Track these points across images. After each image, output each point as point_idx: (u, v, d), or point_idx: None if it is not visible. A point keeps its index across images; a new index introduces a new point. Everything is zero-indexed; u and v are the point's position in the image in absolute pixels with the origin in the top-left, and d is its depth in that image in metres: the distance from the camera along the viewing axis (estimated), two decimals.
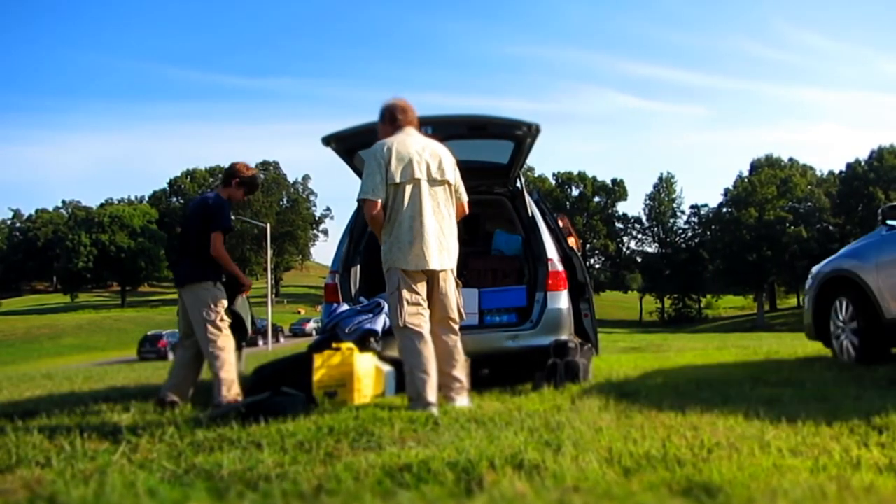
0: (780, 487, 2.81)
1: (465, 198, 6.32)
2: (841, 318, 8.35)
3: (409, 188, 5.90)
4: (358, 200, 6.03)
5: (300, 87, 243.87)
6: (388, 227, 5.94)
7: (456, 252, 6.15)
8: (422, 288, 5.93)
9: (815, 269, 9.22)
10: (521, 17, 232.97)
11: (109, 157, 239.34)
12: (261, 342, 52.74)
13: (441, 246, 5.97)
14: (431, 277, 5.98)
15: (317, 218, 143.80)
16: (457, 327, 6.10)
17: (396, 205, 5.90)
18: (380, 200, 5.89)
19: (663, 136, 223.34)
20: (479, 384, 6.89)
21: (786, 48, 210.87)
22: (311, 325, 75.24)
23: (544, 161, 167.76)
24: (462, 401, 5.87)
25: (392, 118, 6.20)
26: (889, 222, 7.81)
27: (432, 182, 6.00)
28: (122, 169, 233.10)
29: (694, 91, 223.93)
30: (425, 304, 5.93)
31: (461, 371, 6.01)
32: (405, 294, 5.84)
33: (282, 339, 67.49)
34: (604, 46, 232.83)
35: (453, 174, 6.18)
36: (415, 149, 6.00)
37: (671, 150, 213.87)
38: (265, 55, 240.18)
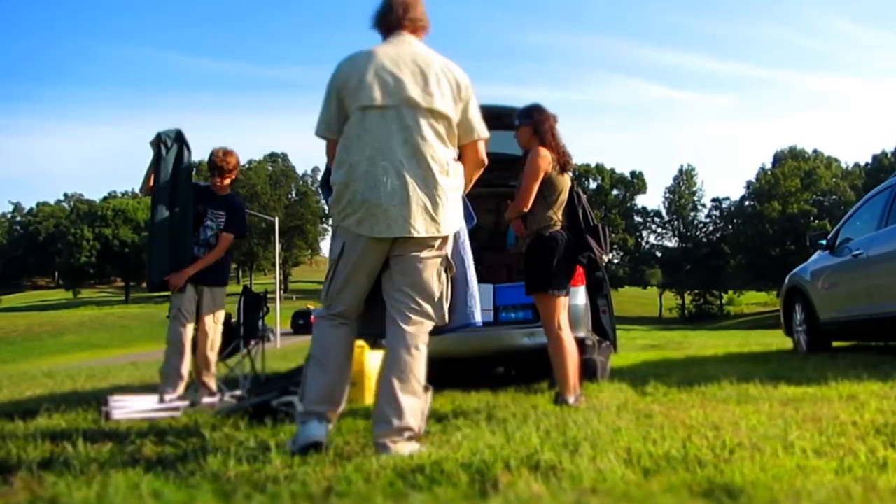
0: (804, 489, 2.80)
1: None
2: (797, 319, 11.18)
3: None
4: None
5: (316, 75, 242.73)
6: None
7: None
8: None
9: (788, 276, 11.90)
10: (546, 4, 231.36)
11: (113, 149, 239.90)
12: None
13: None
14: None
15: (326, 211, 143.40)
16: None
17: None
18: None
19: (688, 127, 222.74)
20: (493, 382, 6.90)
21: (816, 35, 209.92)
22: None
23: None
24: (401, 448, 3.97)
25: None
26: (820, 242, 10.76)
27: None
28: (126, 161, 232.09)
29: (723, 80, 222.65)
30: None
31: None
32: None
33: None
34: (631, 34, 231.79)
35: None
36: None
37: (695, 141, 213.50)
38: (280, 43, 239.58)
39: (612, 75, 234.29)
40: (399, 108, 4.31)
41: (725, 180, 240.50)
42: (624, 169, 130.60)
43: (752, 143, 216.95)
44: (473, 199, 5.01)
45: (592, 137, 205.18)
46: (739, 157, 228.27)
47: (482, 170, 4.72)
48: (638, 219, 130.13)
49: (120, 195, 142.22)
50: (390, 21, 4.54)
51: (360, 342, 6.52)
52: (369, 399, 6.19)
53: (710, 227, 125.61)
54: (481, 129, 4.64)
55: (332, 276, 4.42)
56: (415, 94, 4.33)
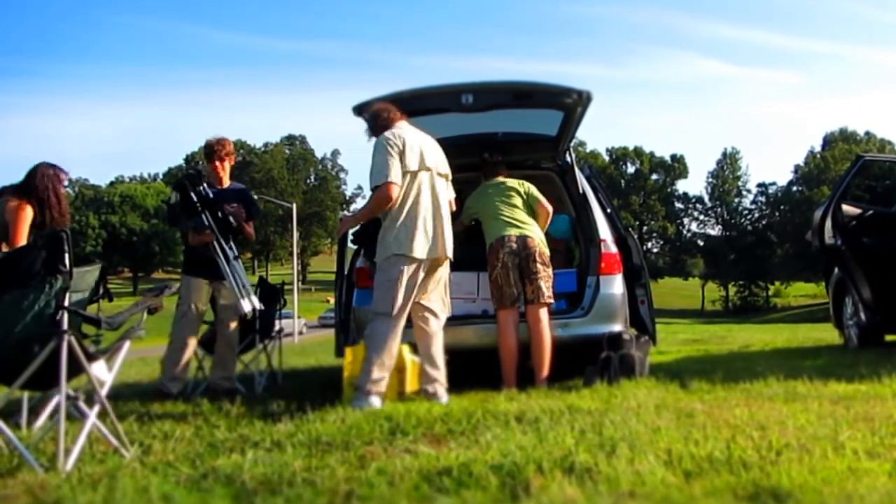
0: (855, 492, 2.79)
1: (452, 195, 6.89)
2: (848, 312, 11.16)
3: (425, 177, 6.45)
4: (379, 185, 6.32)
5: (349, 50, 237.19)
6: (398, 214, 6.36)
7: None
8: (418, 277, 6.36)
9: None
10: None
11: (121, 130, 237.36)
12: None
13: (449, 235, 6.55)
14: (434, 266, 6.50)
15: (347, 197, 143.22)
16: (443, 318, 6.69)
17: (412, 193, 6.38)
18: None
19: (739, 107, 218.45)
20: (525, 379, 6.90)
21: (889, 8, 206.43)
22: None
23: (598, 135, 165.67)
24: (443, 398, 6.41)
25: (382, 123, 6.59)
26: None
27: (440, 174, 6.64)
28: (134, 143, 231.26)
29: (787, 56, 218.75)
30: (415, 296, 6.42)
31: (440, 364, 6.54)
32: (404, 282, 6.27)
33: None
34: (689, 6, 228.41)
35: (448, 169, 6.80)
36: (419, 140, 6.52)
37: (744, 122, 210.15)
38: (300, 15, 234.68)
39: (666, 50, 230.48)
40: (433, 173, 6.52)
41: (773, 165, 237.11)
42: (664, 152, 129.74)
43: (808, 124, 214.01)
44: None
45: (635, 118, 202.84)
46: (791, 139, 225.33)
47: None
48: (679, 205, 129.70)
49: (128, 180, 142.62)
50: (388, 120, 6.57)
51: None
52: (392, 397, 6.25)
53: (756, 214, 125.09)
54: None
55: None
56: (441, 166, 6.63)
